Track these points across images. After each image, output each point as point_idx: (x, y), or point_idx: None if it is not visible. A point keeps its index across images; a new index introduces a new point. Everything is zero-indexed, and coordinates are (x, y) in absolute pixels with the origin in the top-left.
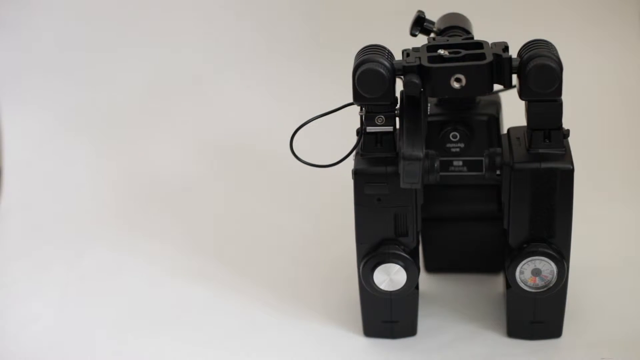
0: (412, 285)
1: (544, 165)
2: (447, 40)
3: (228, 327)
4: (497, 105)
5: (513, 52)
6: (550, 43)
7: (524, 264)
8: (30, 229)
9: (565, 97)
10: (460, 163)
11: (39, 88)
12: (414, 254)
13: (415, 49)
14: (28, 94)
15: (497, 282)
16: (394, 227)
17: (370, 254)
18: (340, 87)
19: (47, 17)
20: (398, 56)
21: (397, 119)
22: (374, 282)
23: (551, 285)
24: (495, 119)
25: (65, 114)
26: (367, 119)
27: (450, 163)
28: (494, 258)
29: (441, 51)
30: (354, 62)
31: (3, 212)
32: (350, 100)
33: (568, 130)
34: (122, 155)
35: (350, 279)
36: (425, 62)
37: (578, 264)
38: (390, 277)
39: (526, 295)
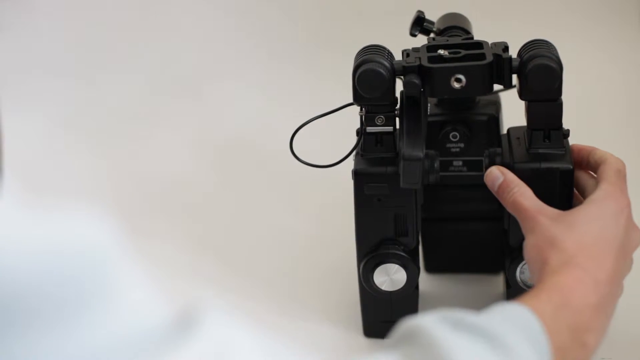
0: (412, 285)
1: (544, 165)
2: (447, 40)
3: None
4: (497, 105)
5: (513, 52)
6: (550, 43)
7: (524, 264)
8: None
9: (565, 97)
10: (460, 163)
11: (39, 88)
12: (414, 254)
13: (415, 49)
14: (28, 94)
15: (497, 282)
16: (393, 227)
17: (370, 254)
18: (340, 87)
19: (47, 18)
20: (398, 56)
21: (397, 119)
22: (374, 282)
23: None
24: (495, 119)
25: (66, 114)
26: (367, 119)
27: (450, 163)
28: (494, 258)
29: (441, 51)
30: (354, 62)
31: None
32: (350, 100)
33: (568, 130)
34: (122, 156)
35: (350, 279)
36: (425, 62)
37: None
38: (390, 277)
39: None
